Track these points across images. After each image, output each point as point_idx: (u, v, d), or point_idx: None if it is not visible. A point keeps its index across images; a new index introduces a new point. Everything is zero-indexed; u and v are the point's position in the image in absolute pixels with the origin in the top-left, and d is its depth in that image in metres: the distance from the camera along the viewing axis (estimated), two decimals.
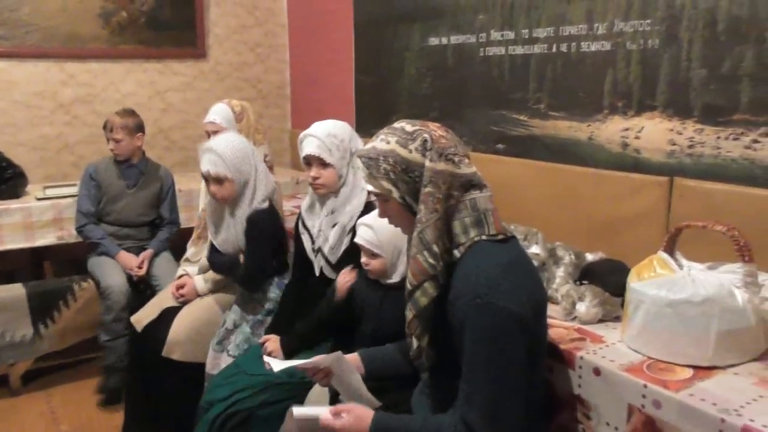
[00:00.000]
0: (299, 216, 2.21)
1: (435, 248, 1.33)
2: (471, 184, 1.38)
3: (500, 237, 1.37)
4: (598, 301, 1.71)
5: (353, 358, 1.71)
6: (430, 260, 1.33)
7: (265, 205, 2.24)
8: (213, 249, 2.34)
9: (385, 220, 1.67)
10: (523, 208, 2.39)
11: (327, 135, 2.04)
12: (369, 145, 1.43)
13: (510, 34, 2.52)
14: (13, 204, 3.04)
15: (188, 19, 3.87)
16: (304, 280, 2.18)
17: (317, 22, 3.90)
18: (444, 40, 2.87)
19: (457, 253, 1.36)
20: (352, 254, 1.92)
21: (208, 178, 2.19)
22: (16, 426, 2.71)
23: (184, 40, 3.90)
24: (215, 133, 2.44)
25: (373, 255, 1.81)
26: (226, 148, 2.18)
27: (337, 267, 2.05)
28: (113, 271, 2.91)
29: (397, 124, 1.43)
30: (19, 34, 3.44)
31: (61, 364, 3.12)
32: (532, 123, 2.50)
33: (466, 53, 2.76)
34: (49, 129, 3.63)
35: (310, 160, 2.05)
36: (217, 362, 2.26)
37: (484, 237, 1.35)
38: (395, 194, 1.38)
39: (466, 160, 1.39)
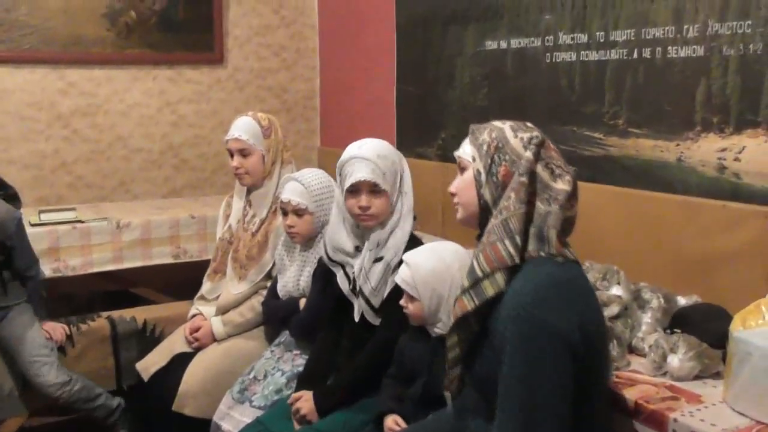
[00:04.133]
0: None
1: (518, 240, 1.43)
2: (556, 200, 1.47)
3: (559, 259, 1.44)
4: (694, 353, 1.71)
5: None
6: (511, 250, 1.43)
7: None
8: (272, 294, 2.48)
9: (426, 256, 1.85)
10: (598, 242, 2.39)
11: (378, 156, 2.04)
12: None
13: (582, 37, 2.55)
14: None
15: (204, 19, 4.00)
16: (339, 325, 2.21)
17: (353, 22, 3.99)
18: (503, 44, 2.90)
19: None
20: (397, 297, 1.93)
21: (286, 210, 2.36)
22: None
23: (200, 43, 4.02)
24: (240, 151, 2.52)
25: (411, 297, 1.85)
26: (312, 180, 2.36)
27: (380, 311, 2.06)
28: None
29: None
30: (15, 37, 3.59)
31: (59, 422, 3.14)
32: (608, 141, 2.51)
33: (529, 59, 2.79)
34: (45, 145, 3.76)
35: (361, 187, 2.02)
36: (229, 413, 2.27)
37: (542, 254, 1.43)
38: (475, 164, 1.54)
39: (567, 177, 1.49)
